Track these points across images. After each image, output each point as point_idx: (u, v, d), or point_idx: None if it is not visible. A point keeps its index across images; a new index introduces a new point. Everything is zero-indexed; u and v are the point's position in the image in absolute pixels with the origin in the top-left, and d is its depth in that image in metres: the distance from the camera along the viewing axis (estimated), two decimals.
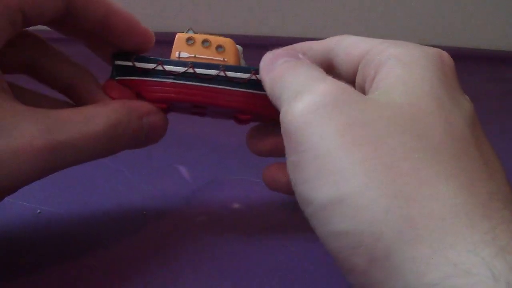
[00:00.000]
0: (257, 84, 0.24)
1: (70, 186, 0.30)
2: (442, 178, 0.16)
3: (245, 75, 0.24)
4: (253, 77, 0.24)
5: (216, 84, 0.24)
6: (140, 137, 0.24)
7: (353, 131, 0.17)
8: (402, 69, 0.20)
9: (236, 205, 0.30)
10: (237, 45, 0.25)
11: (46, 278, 0.23)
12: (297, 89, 0.19)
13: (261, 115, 0.25)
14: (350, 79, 0.23)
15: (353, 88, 0.19)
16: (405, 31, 0.66)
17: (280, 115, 0.20)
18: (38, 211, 0.28)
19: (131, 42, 0.25)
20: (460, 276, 0.15)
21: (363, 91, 0.22)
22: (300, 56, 0.22)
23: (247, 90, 0.24)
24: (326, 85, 0.19)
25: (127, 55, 0.25)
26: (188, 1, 0.65)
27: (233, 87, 0.24)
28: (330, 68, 0.24)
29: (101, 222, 0.28)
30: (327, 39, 0.25)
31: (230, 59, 0.25)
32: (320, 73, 0.20)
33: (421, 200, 0.16)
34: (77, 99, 0.26)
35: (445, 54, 0.21)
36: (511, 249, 0.15)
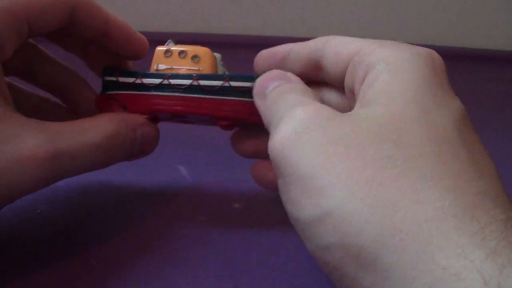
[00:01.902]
0: (231, 90, 0.25)
1: (70, 186, 0.30)
2: (426, 183, 0.16)
3: (217, 83, 0.25)
4: (226, 84, 0.25)
5: (190, 93, 0.25)
6: (133, 149, 0.25)
7: (331, 148, 0.18)
8: (389, 74, 0.20)
9: (236, 205, 0.30)
10: (215, 53, 0.26)
11: (46, 278, 0.23)
12: (279, 116, 0.20)
13: (240, 120, 0.26)
14: (339, 80, 0.23)
15: (329, 108, 0.20)
16: (405, 31, 0.66)
17: (269, 143, 0.20)
18: (38, 211, 0.28)
19: (128, 48, 0.26)
20: (450, 281, 0.14)
21: (352, 92, 0.22)
22: (291, 77, 0.23)
23: (220, 97, 0.25)
24: (303, 109, 0.20)
25: (113, 71, 0.26)
26: (188, 1, 0.65)
27: (206, 94, 0.25)
28: (317, 70, 0.24)
29: (101, 222, 0.28)
30: (314, 39, 0.25)
31: (205, 68, 0.25)
32: (302, 98, 0.21)
33: (405, 206, 0.16)
34: (68, 100, 0.28)
35: (435, 55, 0.21)
36: (501, 250, 0.15)
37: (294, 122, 0.19)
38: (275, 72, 0.24)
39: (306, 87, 0.22)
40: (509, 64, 0.62)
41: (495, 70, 0.61)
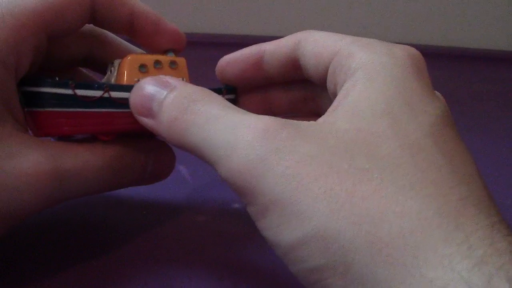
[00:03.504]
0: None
1: None
2: (407, 193, 0.16)
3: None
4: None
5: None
6: (145, 173, 0.24)
7: (302, 169, 0.17)
8: (364, 84, 0.19)
9: (236, 205, 0.30)
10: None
11: (46, 278, 0.23)
12: (224, 140, 0.18)
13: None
14: (321, 81, 0.22)
15: (284, 121, 0.18)
16: (405, 32, 0.66)
17: (219, 171, 0.19)
18: None
19: (159, 42, 0.24)
20: None
21: (335, 96, 0.21)
22: (174, 82, 0.21)
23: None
24: (256, 127, 0.18)
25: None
26: (188, 1, 0.65)
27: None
28: (297, 69, 0.23)
29: (100, 222, 0.28)
30: (290, 36, 0.23)
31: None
32: (228, 109, 0.19)
33: (388, 219, 0.16)
34: None
35: (415, 54, 0.20)
36: (488, 259, 0.14)
37: (253, 143, 0.17)
38: (150, 80, 0.21)
39: (210, 91, 0.20)
40: (509, 64, 0.62)
41: (495, 70, 0.61)
